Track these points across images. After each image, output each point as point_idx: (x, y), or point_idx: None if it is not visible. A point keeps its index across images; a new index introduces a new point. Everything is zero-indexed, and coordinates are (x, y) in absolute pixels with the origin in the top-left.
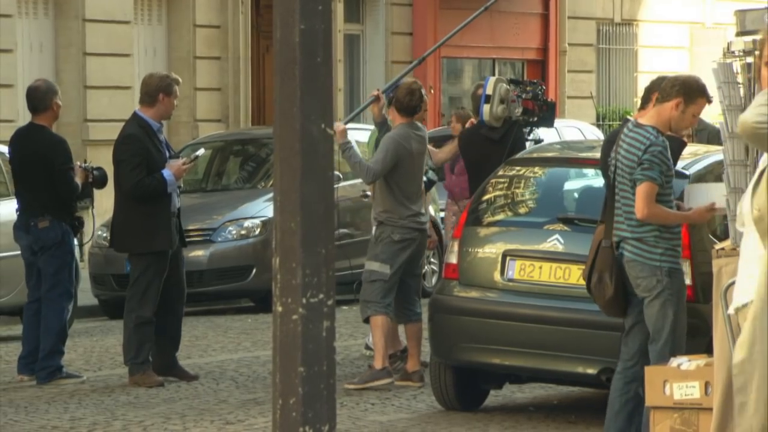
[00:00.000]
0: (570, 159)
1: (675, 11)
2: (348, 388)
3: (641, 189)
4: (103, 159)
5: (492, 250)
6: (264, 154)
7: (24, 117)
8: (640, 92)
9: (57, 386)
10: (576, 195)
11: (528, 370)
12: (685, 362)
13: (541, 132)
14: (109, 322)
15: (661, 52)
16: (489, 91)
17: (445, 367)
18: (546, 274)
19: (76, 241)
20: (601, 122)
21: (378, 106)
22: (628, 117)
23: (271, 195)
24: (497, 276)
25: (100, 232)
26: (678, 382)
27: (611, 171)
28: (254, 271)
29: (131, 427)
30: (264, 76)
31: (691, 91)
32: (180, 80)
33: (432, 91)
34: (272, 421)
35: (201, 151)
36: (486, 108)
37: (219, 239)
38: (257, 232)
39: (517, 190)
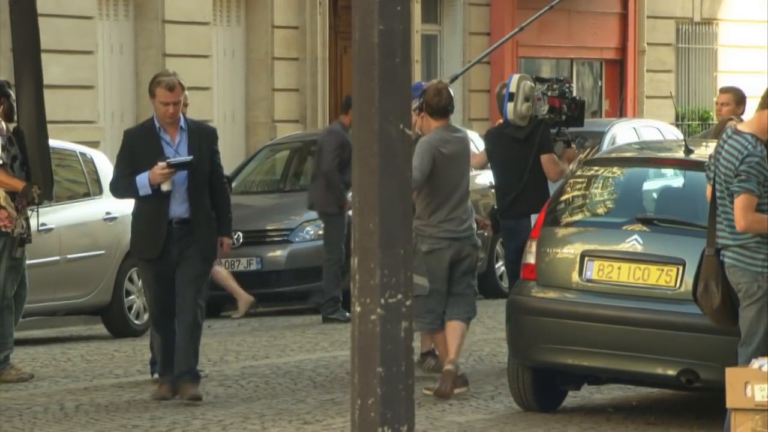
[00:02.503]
0: (649, 159)
1: (755, 10)
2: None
3: (739, 201)
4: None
5: (570, 251)
6: None
7: (104, 118)
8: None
9: (138, 386)
10: (655, 195)
11: (607, 371)
12: (766, 364)
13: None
14: None
15: (740, 52)
16: (513, 89)
17: (523, 368)
18: (625, 274)
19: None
20: (680, 122)
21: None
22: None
23: (349, 195)
24: (575, 276)
25: None
26: (759, 383)
27: (710, 177)
28: None
29: (210, 426)
30: (341, 76)
31: None
32: (171, 80)
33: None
34: (351, 421)
35: (189, 158)
36: (510, 106)
37: (297, 239)
38: None
39: (595, 191)
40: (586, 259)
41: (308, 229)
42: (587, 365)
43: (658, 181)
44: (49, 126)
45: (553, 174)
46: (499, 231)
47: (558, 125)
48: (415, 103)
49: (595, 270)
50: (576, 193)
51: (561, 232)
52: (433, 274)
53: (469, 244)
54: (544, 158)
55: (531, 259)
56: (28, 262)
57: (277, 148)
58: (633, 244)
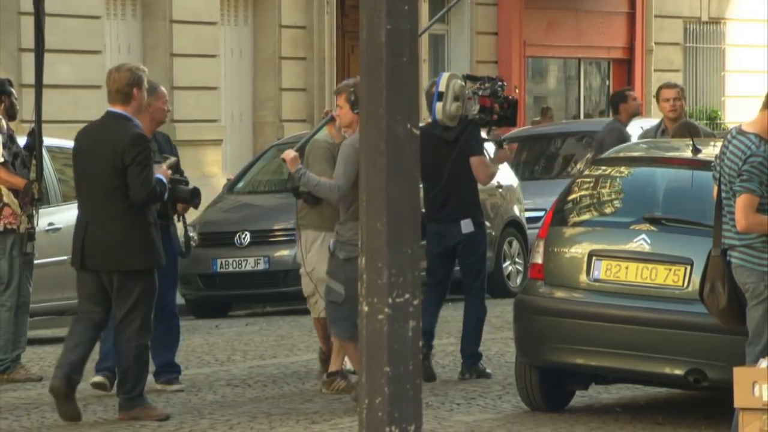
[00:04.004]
0: (657, 158)
1: (763, 10)
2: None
3: (740, 201)
4: (191, 159)
5: (578, 250)
6: None
7: None
8: (728, 91)
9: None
10: (662, 195)
11: (614, 371)
12: None
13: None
14: (196, 322)
15: (748, 51)
16: (442, 88)
17: (530, 368)
18: (632, 274)
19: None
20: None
21: (335, 127)
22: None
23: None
24: (583, 276)
25: (192, 234)
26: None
27: (715, 177)
28: None
29: (218, 425)
30: (349, 76)
31: None
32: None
33: (517, 91)
34: (358, 420)
35: (172, 160)
36: (439, 106)
37: None
38: None
39: (603, 190)
40: (594, 258)
41: None
42: (595, 365)
43: (665, 181)
44: (58, 125)
45: (483, 177)
46: (425, 235)
47: (489, 125)
48: (342, 99)
49: (602, 269)
50: (583, 192)
51: (568, 231)
52: (350, 281)
53: None
54: (474, 160)
55: (538, 258)
56: (36, 262)
57: (284, 147)
58: (641, 243)
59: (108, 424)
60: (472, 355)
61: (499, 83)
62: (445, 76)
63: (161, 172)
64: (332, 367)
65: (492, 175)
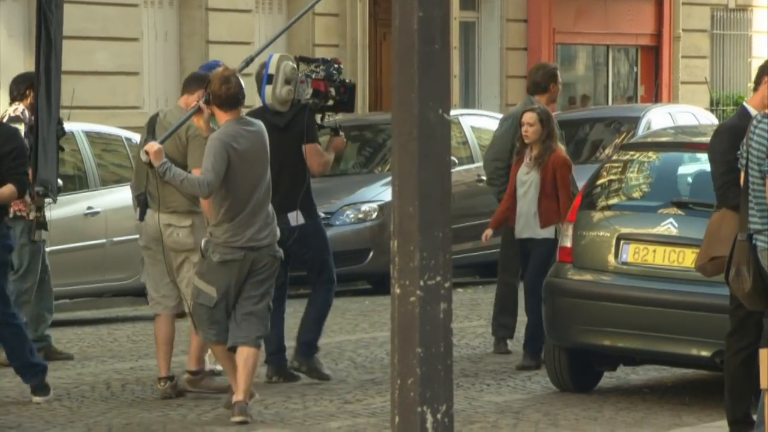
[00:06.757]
0: (684, 144)
1: None
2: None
3: None
4: None
5: (606, 234)
6: (381, 139)
7: (148, 104)
8: (754, 78)
9: (182, 366)
10: (690, 179)
11: (642, 353)
12: None
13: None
14: None
15: None
16: (272, 70)
17: (559, 349)
18: (660, 257)
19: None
20: (714, 107)
21: (203, 119)
22: (744, 104)
23: (388, 179)
24: (611, 259)
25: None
26: None
27: (742, 164)
28: (371, 254)
29: (253, 405)
30: (381, 63)
31: None
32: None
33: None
34: (390, 401)
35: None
36: (268, 89)
37: (337, 223)
38: (374, 215)
39: (631, 175)
40: (622, 242)
41: (348, 213)
42: (623, 346)
43: (693, 166)
44: (96, 111)
45: (317, 166)
46: None
47: (324, 111)
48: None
49: (630, 253)
50: (612, 177)
51: (597, 215)
52: (222, 285)
53: (269, 254)
54: (307, 148)
55: (567, 242)
56: (75, 245)
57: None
58: (668, 227)
59: (146, 402)
60: (307, 343)
61: (335, 66)
62: (275, 57)
63: None
64: (194, 365)
65: (326, 164)
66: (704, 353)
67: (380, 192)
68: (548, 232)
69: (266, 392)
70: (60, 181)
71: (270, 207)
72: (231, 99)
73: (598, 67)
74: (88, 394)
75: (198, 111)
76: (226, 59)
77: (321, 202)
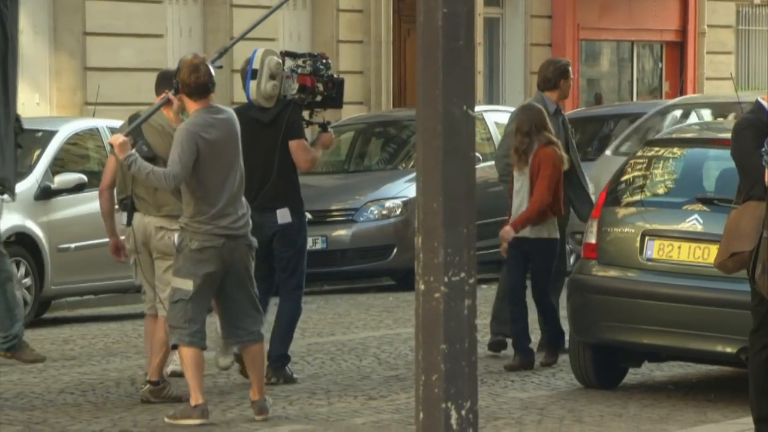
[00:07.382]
0: (709, 140)
1: None
2: (166, 420)
3: None
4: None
5: (631, 230)
6: (405, 135)
7: None
8: None
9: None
10: (715, 175)
11: (667, 349)
12: None
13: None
14: None
15: None
16: (256, 65)
17: (584, 346)
18: (685, 253)
19: None
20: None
21: (173, 110)
22: (759, 99)
23: (412, 176)
24: (636, 256)
25: None
26: None
27: (766, 161)
28: (395, 250)
29: (278, 401)
30: (405, 59)
31: None
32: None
33: None
34: (415, 397)
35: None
36: (253, 85)
37: (361, 219)
38: (398, 212)
39: (655, 171)
40: (647, 238)
41: (372, 209)
42: (647, 343)
43: (718, 162)
44: (120, 107)
45: (303, 162)
46: None
47: (312, 107)
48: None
49: (655, 249)
50: (636, 173)
51: (622, 212)
52: (199, 275)
53: (244, 243)
54: (293, 144)
55: (592, 238)
56: (101, 240)
57: (341, 129)
58: (693, 223)
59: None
60: (280, 357)
61: (322, 61)
62: (259, 52)
63: None
64: (156, 376)
65: (314, 161)
66: (729, 350)
67: (404, 188)
68: (540, 231)
69: (291, 388)
70: (85, 177)
71: (243, 198)
72: (200, 88)
73: (622, 63)
74: (113, 390)
75: (167, 102)
76: (249, 56)
77: (345, 198)
